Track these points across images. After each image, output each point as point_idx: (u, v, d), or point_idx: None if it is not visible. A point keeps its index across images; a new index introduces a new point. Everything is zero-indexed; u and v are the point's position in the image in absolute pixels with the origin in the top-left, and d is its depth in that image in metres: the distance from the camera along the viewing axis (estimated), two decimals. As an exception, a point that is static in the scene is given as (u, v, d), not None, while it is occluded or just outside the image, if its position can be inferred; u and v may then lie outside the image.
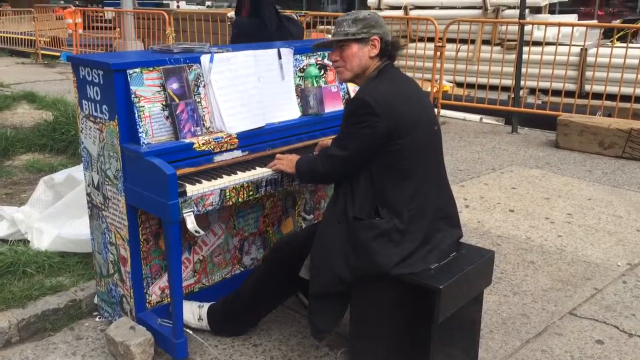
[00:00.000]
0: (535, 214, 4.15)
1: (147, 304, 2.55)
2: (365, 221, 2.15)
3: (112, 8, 12.54)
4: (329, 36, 9.24)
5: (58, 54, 12.24)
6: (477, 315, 2.39)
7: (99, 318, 2.75)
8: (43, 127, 5.73)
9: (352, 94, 3.02)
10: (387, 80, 2.24)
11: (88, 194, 2.62)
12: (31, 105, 7.43)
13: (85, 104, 2.46)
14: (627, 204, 4.35)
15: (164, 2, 17.04)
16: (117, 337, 2.41)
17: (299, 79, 2.84)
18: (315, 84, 2.86)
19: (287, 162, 2.47)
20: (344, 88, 3.02)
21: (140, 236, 2.45)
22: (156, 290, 2.57)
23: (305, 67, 2.87)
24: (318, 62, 2.92)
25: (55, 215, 3.38)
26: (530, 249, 3.59)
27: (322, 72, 2.94)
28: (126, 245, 2.44)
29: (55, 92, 8.02)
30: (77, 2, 13.60)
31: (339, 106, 2.97)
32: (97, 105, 2.39)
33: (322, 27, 8.90)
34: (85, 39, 11.65)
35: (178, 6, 15.75)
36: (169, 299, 2.58)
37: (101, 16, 12.66)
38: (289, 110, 2.76)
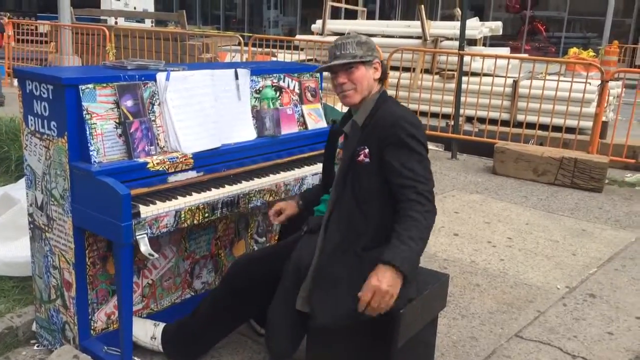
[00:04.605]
0: (477, 238, 4.28)
1: (91, 331, 2.42)
2: (377, 249, 2.05)
3: (47, 21, 12.10)
4: (274, 58, 9.12)
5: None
6: (432, 338, 2.42)
7: (38, 346, 2.58)
8: (-27, 143, 5.41)
9: (307, 117, 3.04)
10: (397, 103, 2.27)
11: (30, 215, 2.47)
12: (-41, 119, 6.99)
13: (31, 120, 2.34)
14: (562, 229, 4.56)
15: (101, 18, 16.65)
16: (59, 366, 2.27)
17: (255, 100, 2.82)
18: (272, 106, 2.85)
19: (386, 286, 1.93)
20: (299, 111, 3.02)
21: (87, 259, 2.34)
22: (102, 317, 2.45)
23: (261, 89, 2.85)
24: (274, 84, 2.92)
25: (-12, 237, 3.17)
26: (475, 272, 3.68)
27: (278, 94, 2.94)
28: (71, 269, 2.31)
29: (-16, 106, 7.60)
30: (9, 15, 13.01)
31: (294, 128, 2.97)
32: (45, 121, 2.28)
33: (267, 49, 8.93)
34: (18, 52, 11.15)
35: (116, 22, 15.40)
36: (115, 326, 2.46)
37: (33, 30, 12.17)
38: (245, 131, 2.73)
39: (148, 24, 17.33)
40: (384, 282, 1.91)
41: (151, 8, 19.73)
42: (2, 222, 3.22)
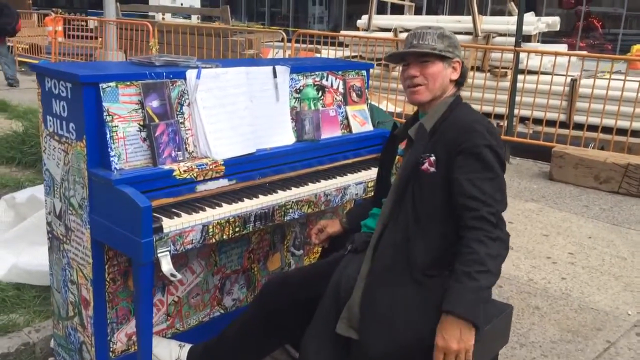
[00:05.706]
0: (535, 253, 3.90)
1: (110, 353, 2.21)
2: (441, 277, 1.79)
3: (95, 17, 12.20)
4: (318, 55, 8.82)
5: (36, 61, 11.83)
6: (491, 377, 2.11)
7: (56, 365, 2.40)
8: (12, 138, 5.38)
9: (352, 120, 2.76)
10: (473, 109, 1.99)
11: (49, 223, 2.29)
12: (2, 114, 7.05)
13: (50, 121, 2.15)
14: (630, 245, 4.13)
15: (149, 13, 16.78)
16: (74, 392, 2.07)
17: (294, 100, 2.56)
18: (313, 107, 2.58)
19: (457, 334, 1.68)
20: (342, 113, 2.75)
21: (107, 275, 2.13)
22: (122, 338, 2.24)
23: (302, 88, 2.59)
24: (316, 83, 2.65)
25: (13, 241, 3.04)
26: (534, 292, 3.33)
27: (320, 93, 2.67)
28: (89, 286, 2.11)
29: (29, 101, 7.65)
30: (61, 11, 13.21)
31: (337, 132, 2.70)
32: (64, 122, 2.07)
33: (311, 45, 8.67)
34: (65, 48, 11.28)
35: (163, 18, 15.47)
36: (136, 347, 2.25)
37: (84, 25, 12.30)
38: (283, 135, 2.48)
39: (194, 19, 17.35)
40: (452, 340, 1.67)
41: (197, 4, 19.79)
42: (28, 225, 3.09)
